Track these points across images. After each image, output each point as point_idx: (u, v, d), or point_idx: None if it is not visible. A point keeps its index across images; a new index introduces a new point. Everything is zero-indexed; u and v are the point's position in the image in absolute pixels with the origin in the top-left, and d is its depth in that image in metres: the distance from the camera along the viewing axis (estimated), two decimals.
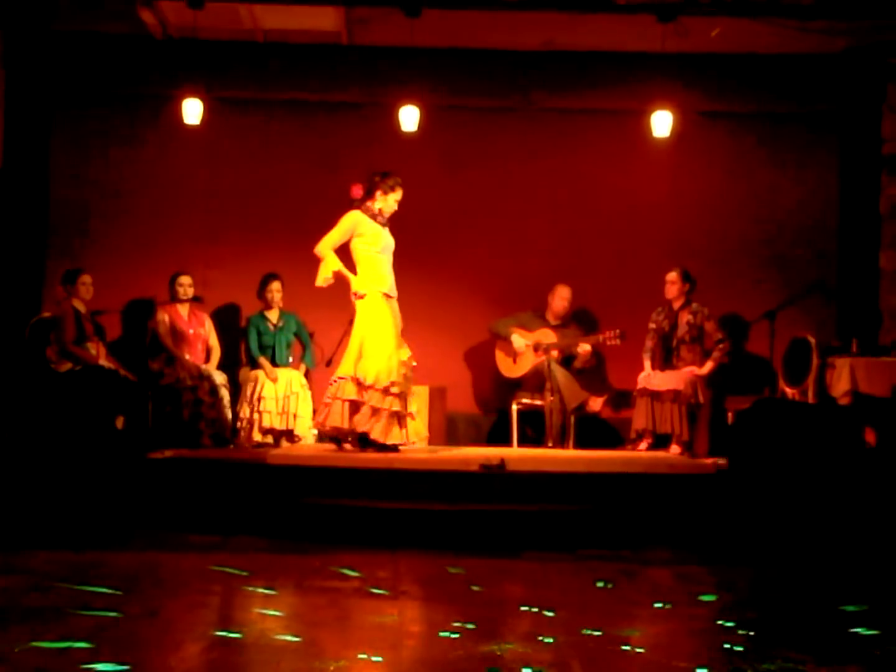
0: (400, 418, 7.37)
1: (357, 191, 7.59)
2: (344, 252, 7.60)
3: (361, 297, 7.48)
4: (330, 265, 7.47)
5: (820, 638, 4.20)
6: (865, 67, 8.92)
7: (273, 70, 9.05)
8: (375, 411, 7.30)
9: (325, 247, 7.52)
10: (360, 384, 7.33)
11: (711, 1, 8.02)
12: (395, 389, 7.31)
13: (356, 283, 7.50)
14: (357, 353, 7.40)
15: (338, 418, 7.37)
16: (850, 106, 9.11)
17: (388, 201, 7.61)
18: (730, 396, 8.29)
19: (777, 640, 4.08)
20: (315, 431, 8.24)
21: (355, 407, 7.36)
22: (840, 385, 7.46)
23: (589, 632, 4.16)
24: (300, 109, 9.30)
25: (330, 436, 7.63)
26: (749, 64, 9.01)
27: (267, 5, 8.23)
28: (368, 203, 7.61)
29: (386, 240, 7.60)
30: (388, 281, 7.56)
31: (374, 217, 7.59)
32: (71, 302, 7.99)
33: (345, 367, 7.43)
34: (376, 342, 7.38)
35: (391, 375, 7.32)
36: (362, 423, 7.32)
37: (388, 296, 7.53)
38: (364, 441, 7.39)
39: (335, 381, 7.46)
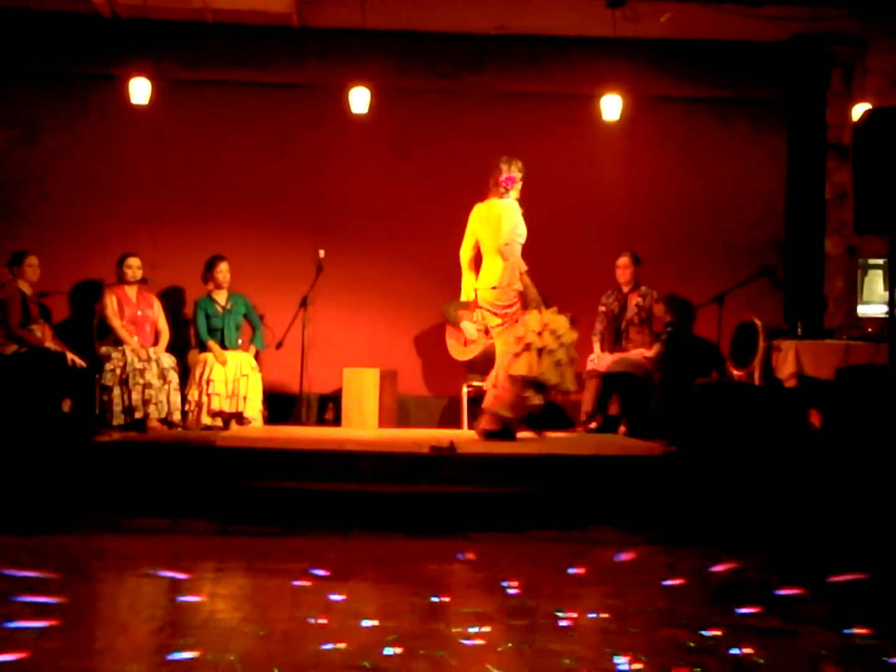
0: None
1: (512, 181, 7.35)
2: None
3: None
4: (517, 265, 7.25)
5: (767, 615, 4.26)
6: (811, 54, 9.03)
7: (222, 51, 8.98)
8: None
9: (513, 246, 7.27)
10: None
11: None
12: None
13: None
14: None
15: (526, 367, 7.09)
16: (797, 92, 9.21)
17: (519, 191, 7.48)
18: (678, 379, 8.37)
19: (722, 617, 4.14)
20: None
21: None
22: (786, 368, 7.55)
23: (537, 613, 4.20)
24: (249, 91, 9.22)
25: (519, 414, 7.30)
26: (698, 50, 9.09)
27: None
28: (512, 192, 7.41)
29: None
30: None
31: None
32: (17, 284, 7.89)
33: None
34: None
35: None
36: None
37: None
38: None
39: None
